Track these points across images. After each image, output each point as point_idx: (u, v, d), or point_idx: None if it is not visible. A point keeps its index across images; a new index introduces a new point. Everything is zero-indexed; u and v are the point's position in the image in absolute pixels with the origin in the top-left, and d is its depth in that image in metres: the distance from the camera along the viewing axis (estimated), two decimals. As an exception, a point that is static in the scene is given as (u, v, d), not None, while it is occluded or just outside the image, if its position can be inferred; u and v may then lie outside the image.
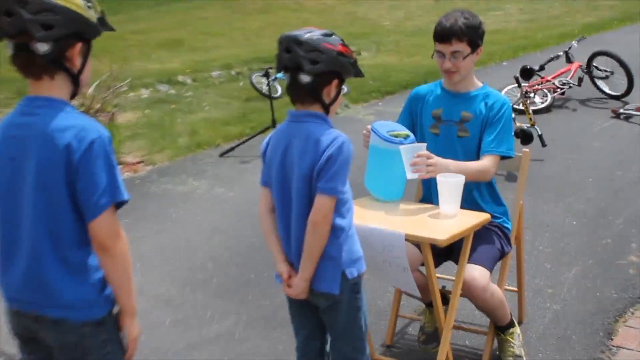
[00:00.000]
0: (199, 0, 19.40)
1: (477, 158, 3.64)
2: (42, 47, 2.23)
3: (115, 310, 2.39)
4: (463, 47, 3.57)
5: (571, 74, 9.27)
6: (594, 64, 9.30)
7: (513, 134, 3.71)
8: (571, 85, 9.17)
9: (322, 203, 2.72)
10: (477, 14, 3.69)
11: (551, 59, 9.14)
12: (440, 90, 3.75)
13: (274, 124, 7.87)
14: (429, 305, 3.90)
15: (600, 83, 9.34)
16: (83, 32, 2.30)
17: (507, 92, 8.49)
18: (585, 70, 9.33)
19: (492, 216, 3.58)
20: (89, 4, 2.30)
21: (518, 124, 7.15)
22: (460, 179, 3.36)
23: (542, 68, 8.81)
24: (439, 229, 3.26)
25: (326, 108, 2.83)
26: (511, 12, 18.35)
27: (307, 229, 2.74)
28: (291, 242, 2.84)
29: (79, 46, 2.31)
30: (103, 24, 2.35)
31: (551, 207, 5.97)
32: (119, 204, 2.31)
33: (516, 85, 8.14)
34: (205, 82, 11.00)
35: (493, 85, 3.92)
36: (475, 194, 3.66)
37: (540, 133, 7.26)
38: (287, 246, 2.87)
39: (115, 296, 2.36)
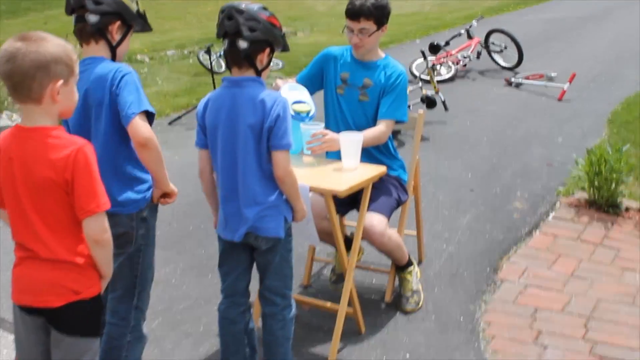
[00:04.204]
0: (158, -11, 18.72)
1: (375, 120, 3.50)
2: (92, 18, 2.58)
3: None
4: (370, 25, 3.42)
5: (471, 48, 9.12)
6: (491, 40, 9.18)
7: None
8: (471, 58, 9.05)
9: (280, 158, 2.63)
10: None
11: (455, 36, 8.94)
12: (350, 57, 3.58)
13: (215, 95, 7.61)
14: (338, 249, 3.76)
15: (496, 56, 9.24)
16: (123, 14, 2.64)
17: (417, 65, 8.30)
18: (483, 45, 9.21)
19: (390, 168, 3.45)
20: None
21: (424, 92, 6.99)
22: (359, 137, 3.21)
23: (447, 44, 8.62)
24: (340, 181, 3.09)
25: (258, 73, 2.70)
26: (426, -2, 18.13)
27: (280, 185, 2.67)
28: (239, 190, 2.68)
29: (117, 23, 2.63)
30: (142, 19, 2.74)
31: (451, 162, 5.83)
32: (150, 116, 2.52)
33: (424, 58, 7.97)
34: (160, 60, 10.61)
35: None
36: (374, 150, 3.52)
37: (443, 99, 7.09)
38: (234, 194, 2.70)
39: (154, 180, 2.63)
